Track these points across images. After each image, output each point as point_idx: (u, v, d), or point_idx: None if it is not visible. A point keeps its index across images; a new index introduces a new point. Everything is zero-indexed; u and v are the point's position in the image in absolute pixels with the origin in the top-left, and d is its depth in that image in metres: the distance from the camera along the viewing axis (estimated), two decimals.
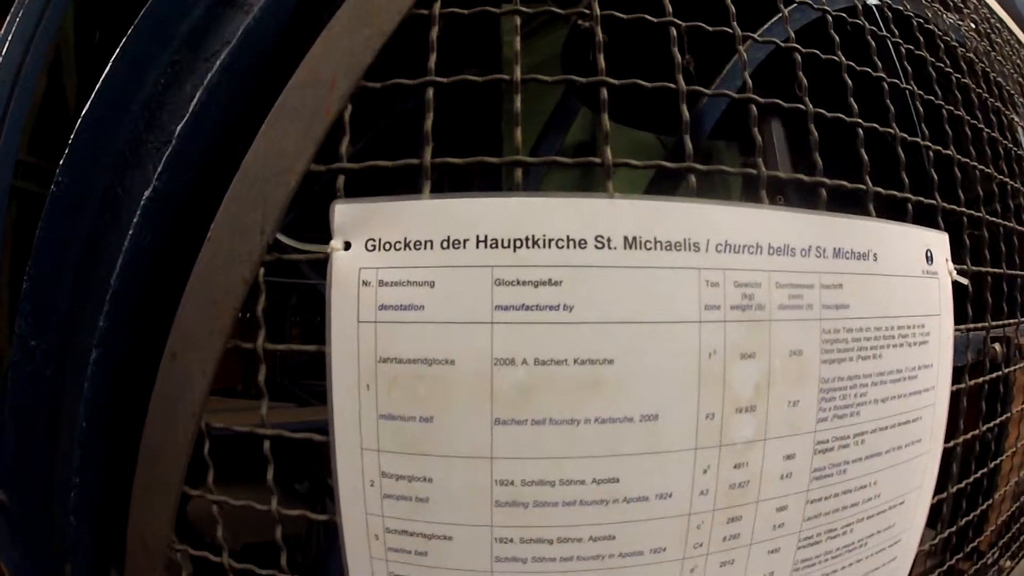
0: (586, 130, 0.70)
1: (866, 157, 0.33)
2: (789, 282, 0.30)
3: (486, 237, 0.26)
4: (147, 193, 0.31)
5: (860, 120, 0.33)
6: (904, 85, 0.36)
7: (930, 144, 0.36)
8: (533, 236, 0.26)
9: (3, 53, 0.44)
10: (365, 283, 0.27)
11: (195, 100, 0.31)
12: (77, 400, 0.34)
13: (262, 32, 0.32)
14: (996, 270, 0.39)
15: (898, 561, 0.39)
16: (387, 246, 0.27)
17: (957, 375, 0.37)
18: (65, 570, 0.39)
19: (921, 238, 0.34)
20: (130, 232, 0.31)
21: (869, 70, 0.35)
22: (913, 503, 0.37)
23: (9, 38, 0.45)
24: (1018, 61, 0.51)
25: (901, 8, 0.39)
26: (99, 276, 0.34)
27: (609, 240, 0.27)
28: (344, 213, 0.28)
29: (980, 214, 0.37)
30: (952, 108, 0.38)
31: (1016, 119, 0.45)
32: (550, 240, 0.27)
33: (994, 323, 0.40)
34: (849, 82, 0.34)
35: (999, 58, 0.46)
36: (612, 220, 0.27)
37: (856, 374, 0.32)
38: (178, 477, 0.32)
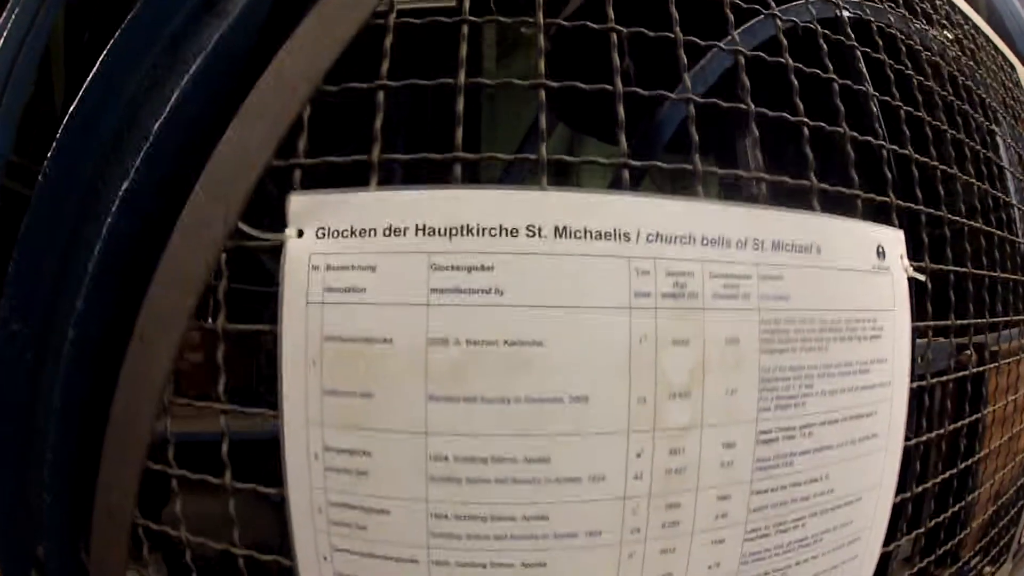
0: (565, 140, 0.75)
1: (811, 155, 0.35)
2: (724, 272, 0.32)
3: (424, 226, 0.30)
4: (125, 185, 0.36)
5: (805, 119, 0.36)
6: (856, 86, 0.38)
7: (884, 143, 0.39)
8: (468, 225, 0.30)
9: None
10: (315, 267, 0.31)
11: (172, 100, 0.35)
12: (54, 382, 0.39)
13: (235, 39, 0.37)
14: (958, 268, 0.41)
15: (859, 560, 0.39)
16: (335, 233, 0.31)
17: (920, 392, 0.38)
18: (38, 552, 0.43)
19: (870, 233, 0.36)
20: (108, 220, 0.35)
21: (819, 71, 0.38)
22: (872, 501, 0.38)
23: (4, 35, 0.50)
24: (994, 68, 0.53)
25: (860, 14, 0.41)
26: (79, 262, 0.38)
27: (540, 229, 0.30)
28: (298, 203, 0.31)
29: (940, 213, 0.39)
30: (911, 109, 0.40)
31: (993, 127, 0.47)
32: (483, 229, 0.30)
33: (959, 321, 0.41)
34: (795, 83, 0.37)
35: (970, 63, 0.47)
36: (543, 210, 0.30)
37: (800, 365, 0.34)
38: (142, 452, 0.35)
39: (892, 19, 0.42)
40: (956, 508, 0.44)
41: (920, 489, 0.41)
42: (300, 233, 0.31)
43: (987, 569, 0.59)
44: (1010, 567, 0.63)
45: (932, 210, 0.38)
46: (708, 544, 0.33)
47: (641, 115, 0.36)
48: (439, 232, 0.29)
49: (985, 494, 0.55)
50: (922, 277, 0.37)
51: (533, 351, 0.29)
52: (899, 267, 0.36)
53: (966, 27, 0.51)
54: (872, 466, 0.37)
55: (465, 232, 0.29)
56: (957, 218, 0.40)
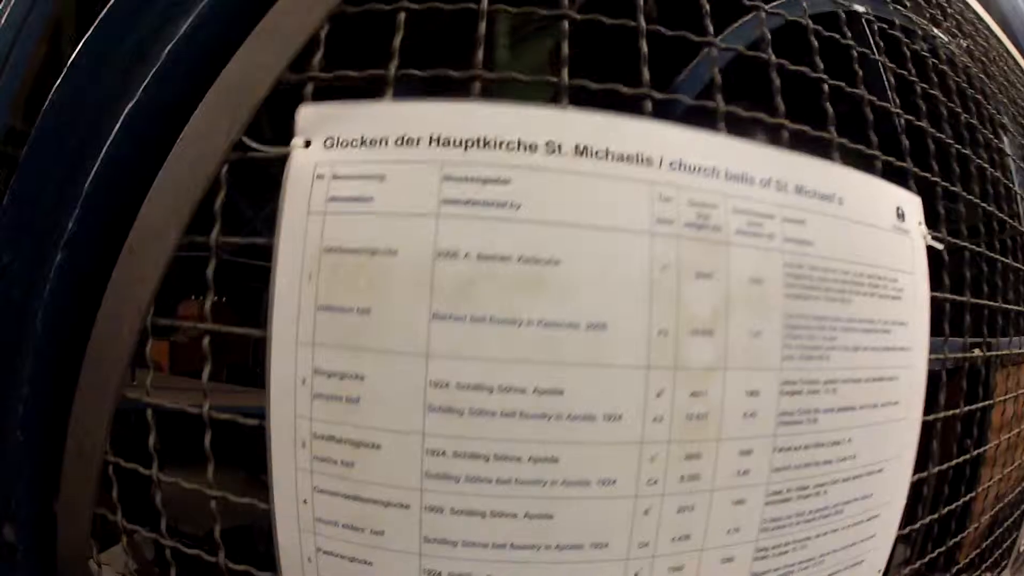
0: None
1: (831, 111, 0.33)
2: (748, 208, 0.28)
3: (439, 136, 0.26)
4: (129, 106, 0.32)
5: (824, 76, 0.34)
6: (874, 56, 0.36)
7: (900, 111, 0.36)
8: (484, 138, 0.26)
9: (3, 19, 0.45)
10: (319, 176, 0.26)
11: (186, 26, 0.33)
12: (38, 311, 0.34)
13: None
14: (973, 246, 0.37)
15: (877, 540, 0.34)
16: (344, 143, 0.27)
17: (934, 379, 0.34)
18: (9, 504, 0.37)
19: (891, 193, 0.32)
20: (109, 141, 0.32)
21: (837, 36, 0.35)
22: (892, 474, 0.33)
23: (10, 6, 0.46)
24: (1005, 67, 0.51)
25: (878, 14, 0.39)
26: (76, 191, 0.34)
27: (560, 147, 0.26)
28: (307, 114, 0.27)
29: (955, 189, 0.36)
30: (925, 86, 0.38)
31: (1000, 124, 0.44)
32: (501, 142, 0.26)
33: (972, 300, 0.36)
34: (815, 43, 0.34)
35: (982, 69, 0.46)
36: (563, 128, 0.26)
37: (824, 315, 0.29)
38: (118, 378, 0.30)
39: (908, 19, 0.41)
40: (956, 508, 0.38)
41: (936, 470, 0.36)
42: (307, 144, 0.27)
43: (986, 575, 0.53)
44: (1009, 574, 0.57)
45: (947, 184, 0.35)
46: (728, 505, 0.28)
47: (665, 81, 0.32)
48: (454, 143, 0.25)
49: (983, 499, 0.50)
50: (940, 245, 0.33)
51: (549, 270, 0.25)
52: (918, 232, 0.33)
53: (978, 36, 0.49)
54: (893, 436, 0.32)
55: (481, 144, 0.25)
56: (972, 197, 0.37)
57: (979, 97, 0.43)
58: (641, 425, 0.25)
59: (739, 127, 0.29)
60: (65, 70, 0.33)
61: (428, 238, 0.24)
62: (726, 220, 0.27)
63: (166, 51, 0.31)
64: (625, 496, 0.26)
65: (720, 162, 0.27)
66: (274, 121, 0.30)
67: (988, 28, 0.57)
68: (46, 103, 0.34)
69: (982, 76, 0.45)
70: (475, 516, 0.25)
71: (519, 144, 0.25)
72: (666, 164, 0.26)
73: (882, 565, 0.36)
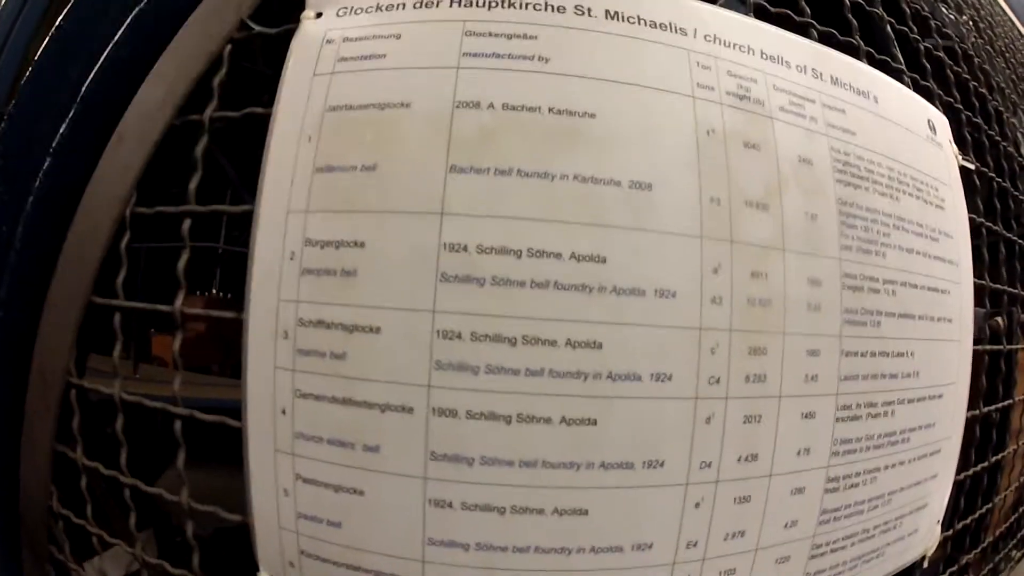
0: None
1: (855, 22, 0.27)
2: (788, 89, 0.21)
3: None
4: (138, 8, 0.26)
5: None
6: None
7: (919, 38, 0.30)
8: None
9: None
10: (329, 41, 0.19)
11: None
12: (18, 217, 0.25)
13: None
14: (1000, 179, 0.30)
15: (939, 481, 0.23)
16: (358, 10, 0.19)
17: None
18: None
19: (920, 104, 0.25)
20: (112, 42, 0.25)
21: None
22: (950, 404, 0.23)
23: None
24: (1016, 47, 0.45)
25: None
26: (72, 96, 0.27)
27: (589, 9, 0.19)
28: None
29: (977, 121, 0.29)
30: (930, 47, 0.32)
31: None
32: (527, 3, 0.19)
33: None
34: None
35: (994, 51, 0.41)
36: None
37: (875, 208, 0.21)
38: (88, 281, 0.21)
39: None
40: (982, 485, 0.29)
41: (986, 411, 0.27)
42: (318, 16, 0.21)
43: (1015, 553, 0.41)
44: None
45: (970, 114, 0.29)
46: (798, 419, 0.19)
47: None
48: (476, 3, 0.19)
49: (1007, 478, 0.40)
50: (971, 165, 0.27)
51: (584, 123, 0.17)
52: (950, 149, 0.26)
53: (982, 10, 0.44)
54: (949, 358, 0.24)
55: (506, 4, 0.19)
56: (992, 132, 0.31)
57: (987, 68, 0.37)
58: (698, 306, 0.17)
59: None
60: None
61: (447, 89, 0.17)
62: (767, 95, 0.20)
63: None
64: (683, 397, 0.16)
65: (755, 42, 0.20)
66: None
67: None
68: (54, 28, 0.28)
69: (988, 49, 0.40)
70: (498, 421, 0.16)
71: (546, 5, 0.19)
72: (701, 36, 0.20)
73: (941, 513, 0.26)
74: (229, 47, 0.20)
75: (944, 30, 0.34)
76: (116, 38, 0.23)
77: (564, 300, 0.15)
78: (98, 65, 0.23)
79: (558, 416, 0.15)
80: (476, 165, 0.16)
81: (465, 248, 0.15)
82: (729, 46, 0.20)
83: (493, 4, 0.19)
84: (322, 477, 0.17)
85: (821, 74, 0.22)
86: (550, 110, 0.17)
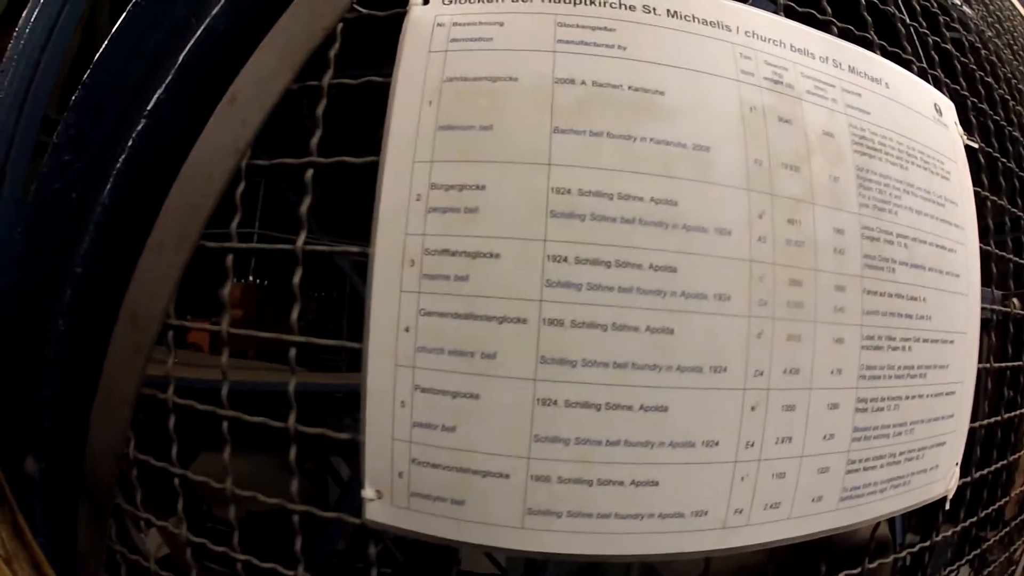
0: None
1: (870, 18, 0.38)
2: (813, 76, 0.32)
3: None
4: None
5: None
6: None
7: (928, 32, 0.42)
8: None
9: (38, 9, 0.46)
10: (439, 24, 0.28)
11: None
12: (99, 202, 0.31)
13: None
14: (1004, 159, 0.42)
15: (955, 422, 0.34)
16: (461, 1, 0.30)
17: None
18: (39, 425, 0.31)
19: (928, 90, 0.37)
20: (210, 15, 0.33)
21: None
22: (962, 351, 0.34)
23: None
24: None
25: None
26: (155, 86, 0.34)
27: (654, 8, 0.30)
28: None
29: (983, 106, 0.42)
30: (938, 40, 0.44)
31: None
32: (605, 2, 0.29)
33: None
34: None
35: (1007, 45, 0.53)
36: None
37: (887, 175, 0.32)
38: (199, 226, 0.28)
39: None
40: (1004, 464, 0.39)
41: (999, 365, 0.38)
42: (425, 3, 0.30)
43: None
44: None
45: (975, 99, 0.41)
46: (830, 342, 0.28)
47: None
48: (563, 0, 0.29)
49: None
50: (975, 144, 0.38)
51: (656, 98, 0.27)
52: (955, 129, 0.37)
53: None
54: (958, 308, 0.34)
55: (588, 2, 0.29)
56: (992, 113, 0.42)
57: (994, 59, 0.50)
58: (748, 242, 0.26)
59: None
60: None
61: (547, 67, 0.27)
62: (797, 80, 0.30)
63: None
64: (740, 315, 0.26)
65: (785, 37, 0.32)
66: None
67: None
68: (132, 4, 0.36)
69: (996, 42, 0.52)
70: (596, 329, 0.24)
71: (620, 3, 0.29)
72: (742, 32, 0.30)
73: (959, 456, 0.36)
74: (341, 25, 0.29)
75: (953, 24, 0.47)
76: (214, 12, 0.31)
77: (646, 233, 0.25)
78: (196, 36, 0.31)
79: (644, 325, 0.24)
80: (575, 128, 0.25)
81: (569, 191, 0.24)
82: (765, 40, 0.31)
83: (578, 1, 0.28)
84: (440, 385, 0.24)
85: (840, 63, 0.33)
86: (629, 87, 0.26)
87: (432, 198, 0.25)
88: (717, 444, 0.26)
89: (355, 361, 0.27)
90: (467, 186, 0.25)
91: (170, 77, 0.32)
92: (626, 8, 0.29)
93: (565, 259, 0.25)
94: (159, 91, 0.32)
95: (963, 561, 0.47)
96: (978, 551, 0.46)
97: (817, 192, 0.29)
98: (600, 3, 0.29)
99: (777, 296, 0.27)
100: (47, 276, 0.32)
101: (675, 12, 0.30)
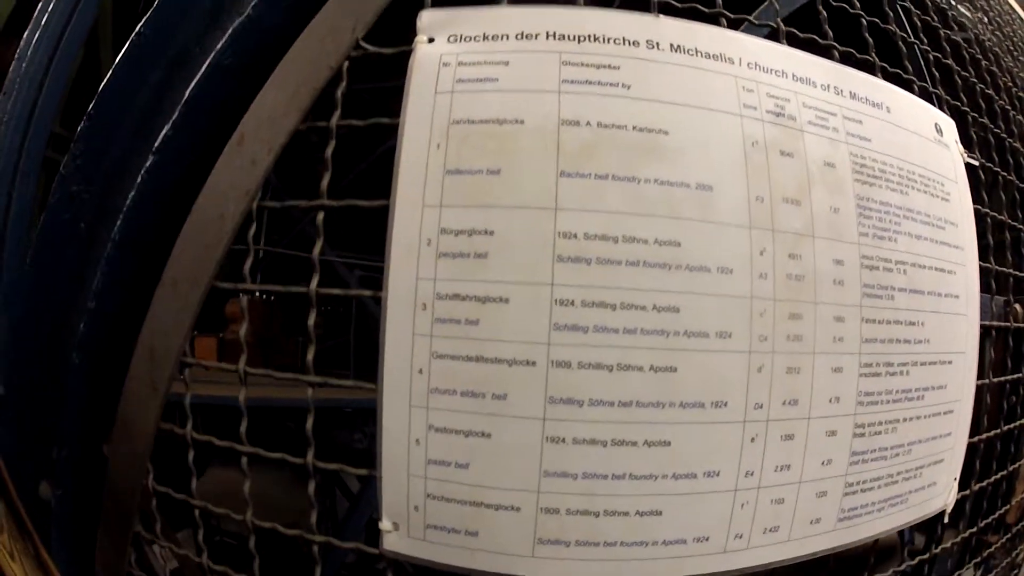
0: None
1: (871, 40, 0.40)
2: (814, 105, 0.34)
3: (555, 32, 0.31)
4: (239, 21, 0.36)
5: (862, 14, 0.41)
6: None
7: (928, 48, 0.44)
8: (594, 34, 0.31)
9: (42, 26, 0.48)
10: (445, 64, 0.31)
11: None
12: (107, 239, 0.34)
13: None
14: (1006, 173, 0.45)
15: (953, 439, 0.37)
16: (467, 39, 0.31)
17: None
18: (52, 451, 0.34)
19: (928, 110, 0.39)
20: (215, 50, 0.35)
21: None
22: (960, 370, 0.37)
23: (48, 10, 0.50)
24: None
25: None
26: (160, 122, 0.36)
27: (658, 44, 0.32)
28: (429, 17, 0.32)
29: (984, 120, 0.44)
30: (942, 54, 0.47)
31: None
32: (608, 38, 0.31)
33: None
34: None
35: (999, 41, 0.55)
36: (659, 30, 0.31)
37: (887, 202, 0.35)
38: (212, 266, 0.31)
39: None
40: (1008, 470, 0.43)
41: (998, 380, 0.41)
42: (431, 41, 0.31)
43: None
44: None
45: (976, 114, 0.43)
46: (829, 372, 0.31)
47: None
48: (568, 38, 0.31)
49: None
50: (976, 162, 0.41)
51: (660, 138, 0.29)
52: (956, 148, 0.40)
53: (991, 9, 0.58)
54: (957, 329, 0.37)
55: (592, 39, 0.31)
56: (992, 126, 0.45)
57: (994, 69, 0.52)
58: (749, 279, 0.29)
59: (796, 46, 0.36)
60: (155, 6, 0.37)
61: (552, 109, 0.29)
62: (798, 112, 0.33)
63: None
64: (740, 351, 0.28)
65: (787, 66, 0.34)
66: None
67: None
68: (134, 35, 0.37)
69: (996, 51, 0.55)
70: (602, 370, 0.27)
71: (624, 40, 0.31)
72: (744, 64, 0.33)
73: (958, 471, 0.39)
74: (347, 63, 0.31)
75: (953, 37, 0.49)
76: (219, 47, 0.33)
77: (650, 275, 0.27)
78: (201, 72, 0.33)
79: (648, 364, 0.27)
80: (580, 171, 0.28)
81: (575, 235, 0.27)
82: (767, 71, 0.33)
83: (582, 39, 0.30)
84: (453, 424, 0.27)
85: (842, 91, 0.35)
86: (634, 127, 0.29)
87: (442, 243, 0.28)
88: (718, 474, 0.29)
89: (363, 375, 0.29)
90: (476, 231, 0.28)
91: (176, 114, 0.34)
92: (630, 44, 0.31)
93: (572, 303, 0.27)
94: (166, 128, 0.34)
95: (968, 564, 0.50)
96: (980, 557, 0.50)
97: (818, 225, 0.31)
98: (604, 39, 0.31)
99: (777, 330, 0.29)
100: (59, 309, 0.35)
101: (679, 46, 0.32)
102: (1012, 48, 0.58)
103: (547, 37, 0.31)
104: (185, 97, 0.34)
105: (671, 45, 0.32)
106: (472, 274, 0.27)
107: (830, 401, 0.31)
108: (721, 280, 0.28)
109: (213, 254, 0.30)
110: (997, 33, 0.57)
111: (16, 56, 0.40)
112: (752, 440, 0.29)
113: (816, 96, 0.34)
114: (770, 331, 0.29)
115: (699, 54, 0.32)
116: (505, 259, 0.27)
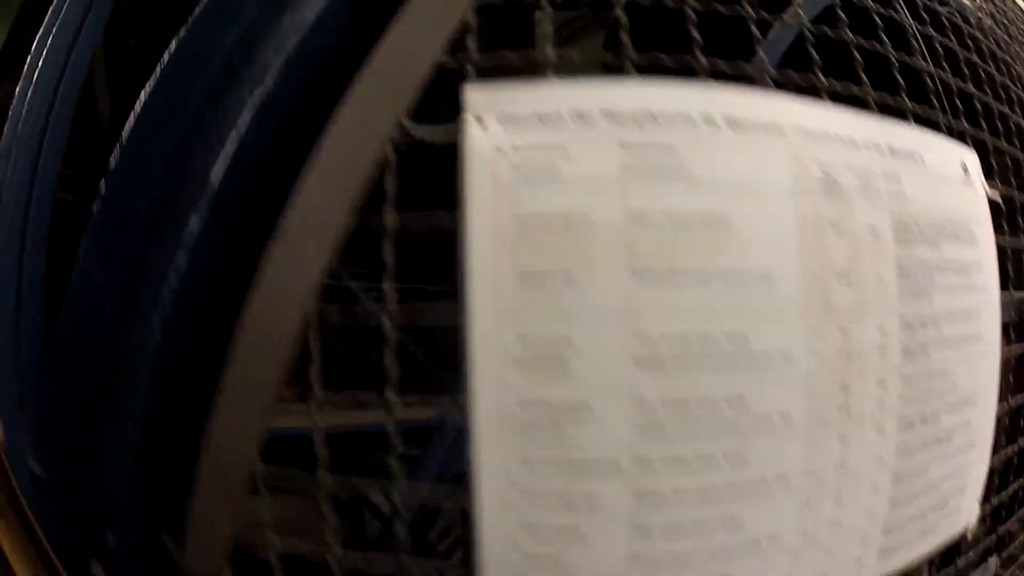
0: None
1: (902, 81, 0.42)
2: (857, 166, 0.35)
3: (609, 111, 0.31)
4: (257, 91, 0.33)
5: (891, 51, 0.42)
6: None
7: (950, 78, 0.46)
8: (650, 111, 0.31)
9: (40, 65, 0.44)
10: (499, 149, 0.30)
11: (315, 11, 0.35)
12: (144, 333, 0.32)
13: None
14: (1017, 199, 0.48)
15: (975, 468, 0.42)
16: (518, 119, 0.31)
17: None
18: (106, 539, 0.34)
19: (955, 150, 0.41)
20: (242, 135, 0.32)
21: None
22: (983, 405, 0.41)
23: (44, 51, 0.45)
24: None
25: None
26: (200, 187, 0.33)
27: (713, 119, 0.32)
28: (475, 93, 0.31)
29: (1009, 148, 0.47)
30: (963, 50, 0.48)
31: None
32: (666, 116, 0.31)
33: None
34: (879, 21, 0.43)
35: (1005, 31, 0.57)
36: (714, 101, 0.32)
37: (923, 258, 0.37)
38: (275, 377, 0.30)
39: None
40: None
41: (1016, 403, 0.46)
42: (478, 120, 0.31)
43: None
44: None
45: (1001, 142, 0.45)
46: (873, 435, 0.34)
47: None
48: (624, 116, 0.30)
49: None
50: (998, 197, 0.43)
51: (724, 225, 0.30)
52: (979, 184, 0.42)
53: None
54: (981, 368, 0.41)
55: (649, 118, 0.31)
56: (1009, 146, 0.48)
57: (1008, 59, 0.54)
58: (805, 360, 0.31)
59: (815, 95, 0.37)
60: (168, 62, 0.34)
61: (618, 201, 0.29)
62: (844, 177, 0.34)
63: (296, 40, 0.34)
64: (797, 428, 0.31)
65: (831, 127, 0.35)
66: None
67: None
68: (139, 104, 0.34)
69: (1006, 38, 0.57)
70: (682, 463, 0.29)
71: (679, 117, 0.31)
72: (792, 131, 0.33)
73: (979, 493, 0.44)
74: (392, 149, 0.30)
75: (972, 59, 0.51)
76: (244, 133, 0.31)
77: (721, 370, 0.29)
78: (228, 162, 0.31)
79: (720, 452, 0.29)
80: (653, 268, 0.28)
81: (651, 338, 0.28)
82: (812, 137, 0.33)
83: (638, 117, 0.30)
84: (547, 521, 0.29)
85: (880, 147, 0.36)
86: (698, 215, 0.29)
87: (521, 349, 0.28)
88: (778, 538, 0.32)
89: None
90: (555, 338, 0.28)
91: (207, 209, 0.32)
92: (686, 121, 0.31)
93: (652, 403, 0.29)
94: (194, 223, 0.32)
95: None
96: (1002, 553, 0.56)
97: (864, 297, 0.34)
98: (660, 119, 0.31)
99: (829, 403, 0.32)
100: (100, 417, 0.33)
101: (733, 120, 0.32)
102: (1021, 51, 0.61)
103: (602, 116, 0.30)
104: (214, 189, 0.32)
105: (726, 119, 0.32)
106: (553, 381, 0.28)
107: (872, 460, 0.34)
108: (779, 364, 0.30)
109: (274, 364, 0.30)
110: (1005, 36, 0.59)
111: (10, 115, 0.36)
112: (807, 505, 0.32)
113: (858, 157, 0.35)
114: (823, 405, 0.32)
115: (752, 127, 0.32)
116: (586, 366, 0.28)
